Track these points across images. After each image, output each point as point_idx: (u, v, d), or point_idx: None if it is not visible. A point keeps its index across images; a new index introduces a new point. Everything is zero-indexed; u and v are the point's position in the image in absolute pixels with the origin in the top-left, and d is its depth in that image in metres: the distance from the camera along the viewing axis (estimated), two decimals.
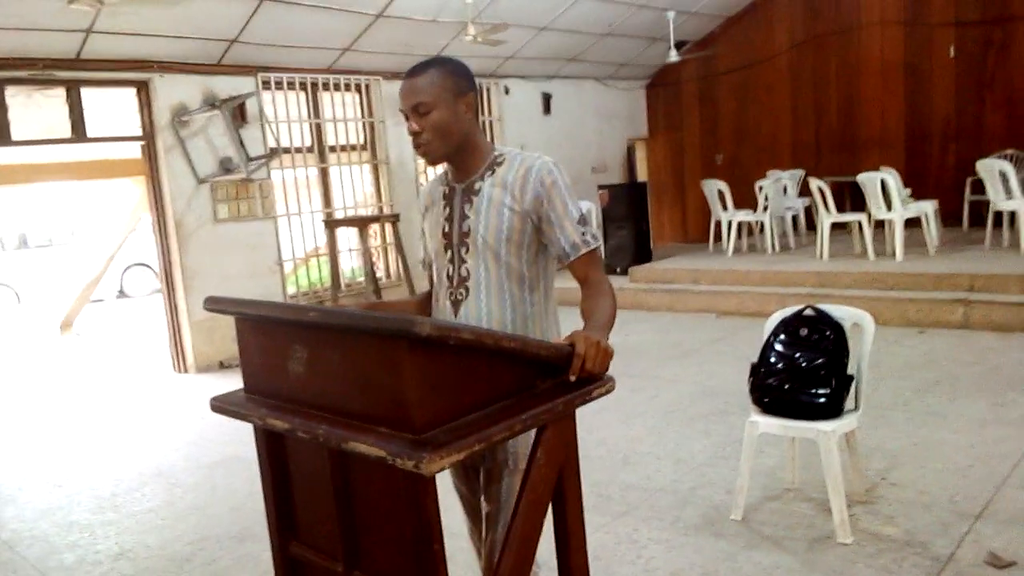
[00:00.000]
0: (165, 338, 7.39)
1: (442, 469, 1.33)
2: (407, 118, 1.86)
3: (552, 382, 1.58)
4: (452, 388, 1.43)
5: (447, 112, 1.83)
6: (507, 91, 9.67)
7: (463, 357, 1.43)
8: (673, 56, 9.80)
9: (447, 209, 1.95)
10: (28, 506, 4.21)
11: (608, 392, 1.61)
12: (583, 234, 1.86)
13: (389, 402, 1.42)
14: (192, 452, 4.90)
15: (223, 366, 7.22)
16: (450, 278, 1.93)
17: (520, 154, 1.92)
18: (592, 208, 8.92)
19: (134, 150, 7.25)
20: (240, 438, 4.94)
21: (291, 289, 8.09)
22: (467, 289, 1.90)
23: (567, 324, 1.85)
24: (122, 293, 14.33)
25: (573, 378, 1.56)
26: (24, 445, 5.42)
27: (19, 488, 4.51)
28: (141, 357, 8.26)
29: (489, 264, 1.87)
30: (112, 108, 6.95)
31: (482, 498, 1.90)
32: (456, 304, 1.91)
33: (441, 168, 2.02)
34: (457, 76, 1.86)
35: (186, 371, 7.20)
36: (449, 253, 1.93)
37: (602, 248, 1.91)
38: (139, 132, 6.97)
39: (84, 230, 14.57)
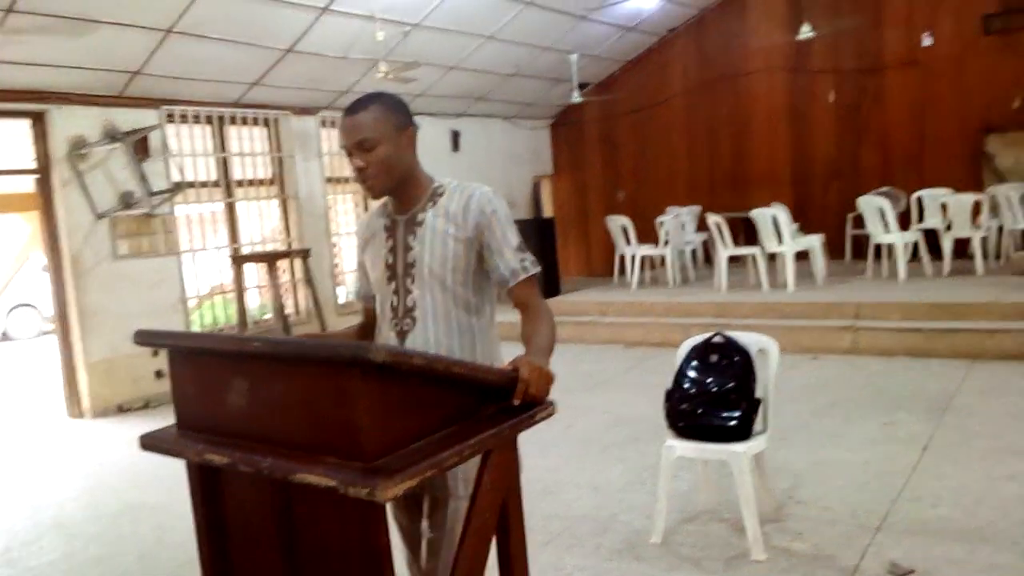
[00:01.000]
0: (58, 381, 6.98)
1: (396, 496, 1.35)
2: (350, 154, 1.88)
3: (496, 407, 1.63)
4: (402, 414, 1.46)
5: (391, 147, 1.88)
6: (418, 128, 9.72)
7: (413, 384, 1.46)
8: (576, 97, 10.16)
9: (390, 241, 1.98)
10: None
11: (550, 416, 1.68)
12: (522, 260, 1.92)
13: (338, 431, 1.43)
14: (92, 500, 4.64)
15: (122, 410, 6.88)
16: (395, 309, 1.95)
17: (460, 185, 1.97)
18: None
19: (26, 184, 6.90)
20: (141, 484, 4.74)
21: (195, 327, 7.81)
22: (413, 319, 1.92)
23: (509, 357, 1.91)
24: (6, 336, 13.44)
25: (517, 402, 1.61)
26: None
27: None
28: (31, 402, 7.77)
29: (436, 293, 1.91)
30: (3, 140, 6.61)
31: (423, 526, 1.92)
32: (402, 334, 1.93)
33: (379, 201, 2.05)
34: (398, 111, 1.91)
35: (82, 416, 6.81)
36: (393, 284, 1.96)
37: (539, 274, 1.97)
38: (33, 165, 6.65)
39: None
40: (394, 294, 1.96)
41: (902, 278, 7.59)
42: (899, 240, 7.70)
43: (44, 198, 6.68)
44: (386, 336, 1.98)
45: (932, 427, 4.57)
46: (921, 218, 8.46)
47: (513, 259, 1.91)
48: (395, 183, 1.92)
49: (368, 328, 2.11)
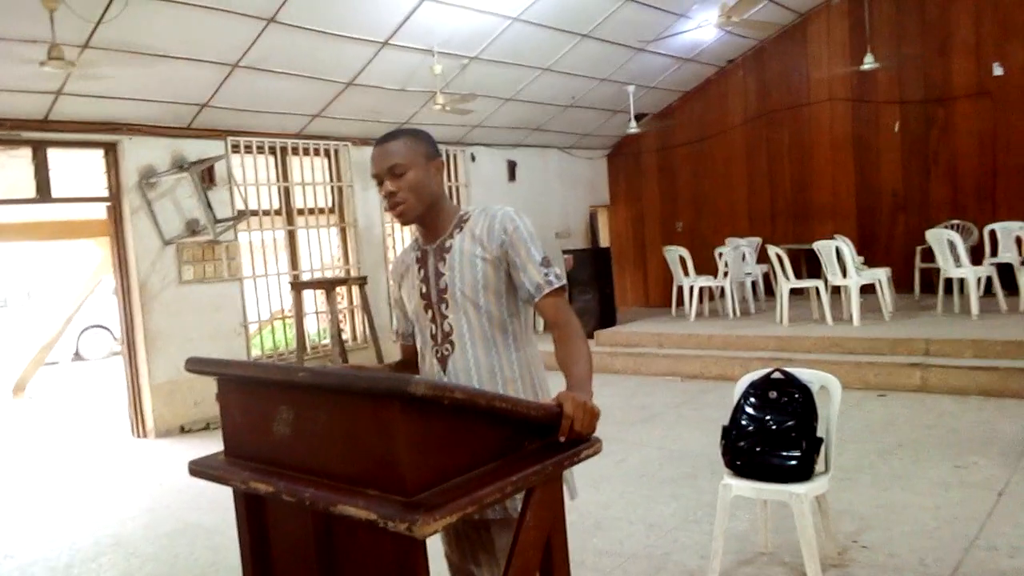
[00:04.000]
0: (124, 402, 7.20)
1: (435, 532, 1.32)
2: (380, 182, 1.94)
3: (540, 443, 1.59)
4: (443, 449, 1.43)
5: (421, 173, 1.93)
6: (473, 158, 9.85)
7: (454, 417, 1.44)
8: (633, 127, 10.14)
9: (422, 271, 2.01)
10: None
11: (595, 453, 1.63)
12: (546, 274, 1.91)
13: (379, 464, 1.41)
14: (151, 520, 4.73)
15: (184, 431, 7.04)
16: (434, 336, 1.98)
17: (484, 208, 2.01)
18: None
19: (99, 211, 7.19)
20: (200, 505, 4.82)
21: (255, 351, 7.98)
22: (452, 343, 1.95)
23: (597, 396, 1.87)
24: (78, 355, 13.96)
25: (562, 439, 1.57)
26: None
27: None
28: (98, 421, 8.02)
29: (470, 315, 1.93)
30: (78, 169, 6.91)
31: (471, 566, 1.89)
32: (443, 360, 1.95)
33: (409, 238, 2.10)
34: (426, 143, 1.98)
35: (145, 436, 7.00)
36: (430, 312, 1.98)
37: (567, 288, 1.93)
38: (105, 193, 6.93)
39: (41, 291, 14.25)
40: (431, 322, 1.98)
41: (975, 314, 7.27)
42: (971, 274, 7.40)
43: (115, 225, 6.95)
44: (429, 363, 2.00)
45: (1008, 471, 4.33)
46: (995, 252, 8.13)
47: (537, 274, 1.91)
48: (424, 209, 1.96)
49: (406, 365, 2.14)
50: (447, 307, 1.95)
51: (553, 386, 1.89)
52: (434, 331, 1.98)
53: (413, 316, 2.05)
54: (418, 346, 2.07)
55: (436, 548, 2.02)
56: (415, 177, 1.91)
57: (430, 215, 1.98)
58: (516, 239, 1.91)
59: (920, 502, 3.99)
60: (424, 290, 1.99)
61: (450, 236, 1.97)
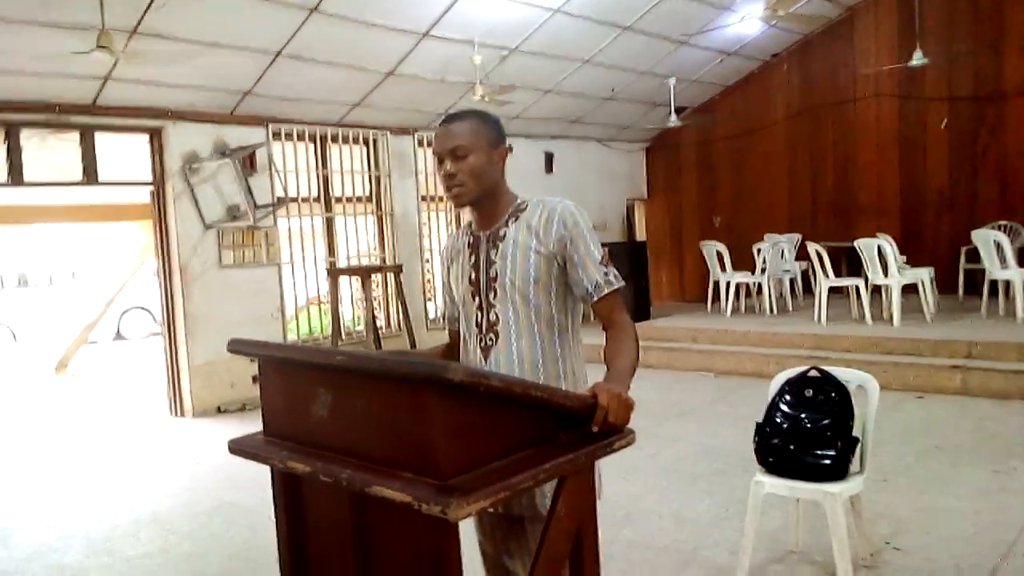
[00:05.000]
0: (162, 382, 7.36)
1: (468, 515, 1.33)
2: (441, 161, 1.91)
3: (574, 433, 1.60)
4: (478, 435, 1.44)
5: (483, 158, 1.90)
6: (511, 149, 9.82)
7: (490, 405, 1.45)
8: (673, 121, 10.02)
9: (473, 257, 1.99)
10: (19, 547, 4.15)
11: (628, 445, 1.63)
12: (606, 274, 1.89)
13: (415, 447, 1.43)
14: (188, 498, 4.84)
15: (221, 411, 7.18)
16: (479, 325, 1.96)
17: (542, 200, 1.97)
18: None
19: (143, 195, 7.34)
20: (237, 485, 4.91)
21: (291, 336, 8.09)
22: (496, 334, 1.92)
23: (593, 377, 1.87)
24: (119, 335, 14.29)
25: (596, 429, 1.58)
26: (17, 486, 5.36)
27: (11, 528, 4.44)
28: (137, 400, 8.21)
29: (518, 307, 1.90)
30: (124, 153, 7.06)
31: (505, 559, 1.91)
32: (486, 350, 1.93)
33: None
34: (494, 128, 1.95)
35: (183, 415, 7.15)
36: (477, 300, 1.96)
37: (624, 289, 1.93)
38: (150, 177, 7.08)
39: (85, 271, 14.61)
40: (478, 310, 1.96)
41: (1020, 317, 7.10)
42: (1017, 276, 7.22)
43: (158, 208, 7.10)
44: (471, 352, 1.97)
45: None
46: None
47: (597, 273, 1.88)
48: (481, 194, 1.93)
49: (452, 349, 2.11)
50: (495, 296, 1.92)
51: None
52: (479, 319, 1.95)
53: (459, 302, 2.03)
54: (461, 332, 2.05)
55: (469, 536, 2.05)
56: (476, 161, 1.89)
57: (486, 201, 1.95)
58: (576, 235, 1.88)
59: (958, 506, 3.92)
60: (473, 276, 1.97)
61: (505, 225, 1.94)
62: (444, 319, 2.17)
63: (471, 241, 2.01)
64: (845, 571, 2.97)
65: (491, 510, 1.90)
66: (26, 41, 5.45)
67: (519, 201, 1.99)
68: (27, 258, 14.71)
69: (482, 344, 1.94)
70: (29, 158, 6.38)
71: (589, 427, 1.59)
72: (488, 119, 1.95)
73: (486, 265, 1.95)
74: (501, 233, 1.94)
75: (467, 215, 2.05)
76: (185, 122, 7.05)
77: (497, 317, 1.92)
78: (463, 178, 1.89)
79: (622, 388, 1.67)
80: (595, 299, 1.89)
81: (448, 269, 2.09)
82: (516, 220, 1.94)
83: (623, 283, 1.94)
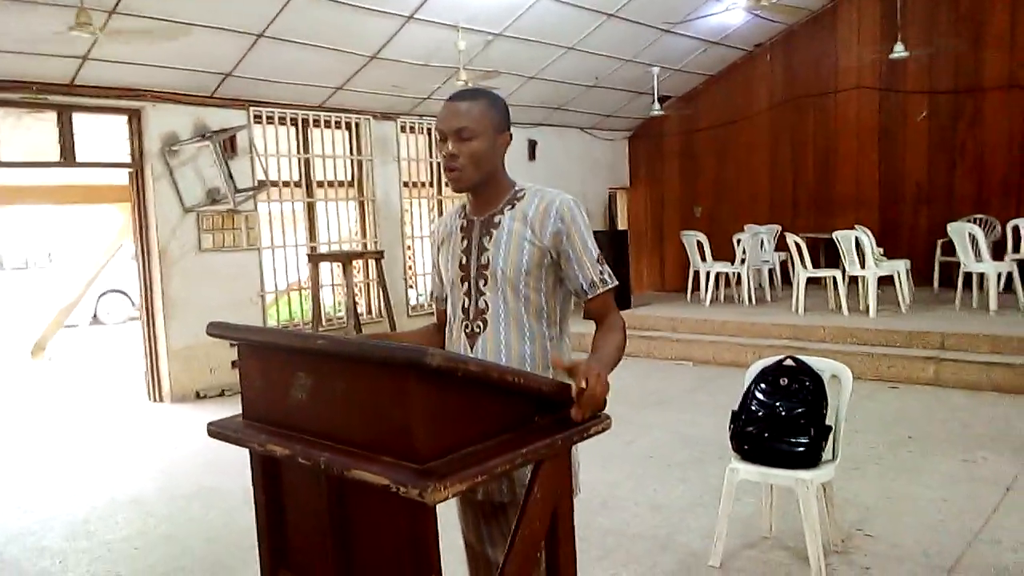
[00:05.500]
0: (140, 366, 7.31)
1: (446, 499, 1.35)
2: (444, 139, 1.88)
3: (551, 417, 1.62)
4: (456, 420, 1.46)
5: (486, 143, 1.88)
6: (511, 137, 9.80)
7: (468, 389, 1.47)
8: (656, 110, 10.07)
9: (464, 241, 1.96)
10: None
11: (604, 430, 1.66)
12: (601, 272, 1.89)
13: (393, 431, 1.44)
14: (167, 482, 4.83)
15: (199, 396, 7.15)
16: (466, 311, 1.93)
17: (540, 189, 1.95)
18: None
19: (121, 177, 7.26)
20: (216, 469, 4.91)
21: (271, 321, 8.06)
22: (484, 322, 1.90)
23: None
24: (96, 319, 14.15)
25: (575, 414, 1.58)
26: None
27: None
28: (115, 384, 8.15)
29: (508, 297, 1.88)
30: (102, 134, 6.97)
31: (487, 549, 1.93)
32: (472, 337, 1.91)
33: (458, 202, 2.06)
34: (501, 113, 1.93)
35: (161, 400, 7.12)
36: (466, 285, 1.94)
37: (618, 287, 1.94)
38: (128, 159, 7.00)
39: (62, 254, 14.43)
40: (466, 295, 1.94)
41: (993, 309, 7.22)
42: (991, 270, 7.34)
43: (137, 191, 7.03)
44: (456, 337, 1.96)
45: (1017, 467, 4.32)
46: (1017, 248, 8.04)
47: (592, 271, 1.88)
48: (480, 179, 1.90)
49: (440, 329, 2.10)
50: (485, 284, 1.90)
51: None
52: (467, 305, 1.93)
53: (448, 285, 2.01)
54: (447, 315, 2.03)
55: (453, 527, 2.07)
56: (479, 146, 1.86)
57: (484, 186, 1.92)
58: (573, 230, 1.87)
59: (927, 494, 4.00)
60: (464, 261, 1.94)
61: (500, 212, 1.92)
62: (432, 298, 2.15)
63: (464, 224, 1.99)
64: (816, 556, 3.03)
65: (477, 498, 1.92)
66: (2, 18, 5.36)
67: (517, 188, 1.97)
68: (2, 240, 14.51)
69: (467, 331, 1.92)
70: (4, 137, 6.30)
71: (566, 412, 1.61)
72: (497, 103, 1.92)
73: (478, 251, 1.93)
74: (496, 220, 1.92)
75: (459, 198, 2.05)
76: (165, 103, 6.97)
77: (487, 305, 1.90)
78: (464, 162, 1.87)
79: (603, 369, 1.68)
80: (589, 297, 1.90)
81: (438, 249, 2.07)
82: (512, 208, 1.92)
83: (617, 283, 1.94)
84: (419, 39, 7.40)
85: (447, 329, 2.03)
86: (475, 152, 1.86)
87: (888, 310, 7.66)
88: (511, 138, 1.96)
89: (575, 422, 1.60)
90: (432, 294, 2.15)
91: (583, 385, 1.58)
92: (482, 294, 1.91)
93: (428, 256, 9.70)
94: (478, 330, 1.91)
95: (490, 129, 1.88)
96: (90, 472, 5.13)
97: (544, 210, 1.89)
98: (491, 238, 1.91)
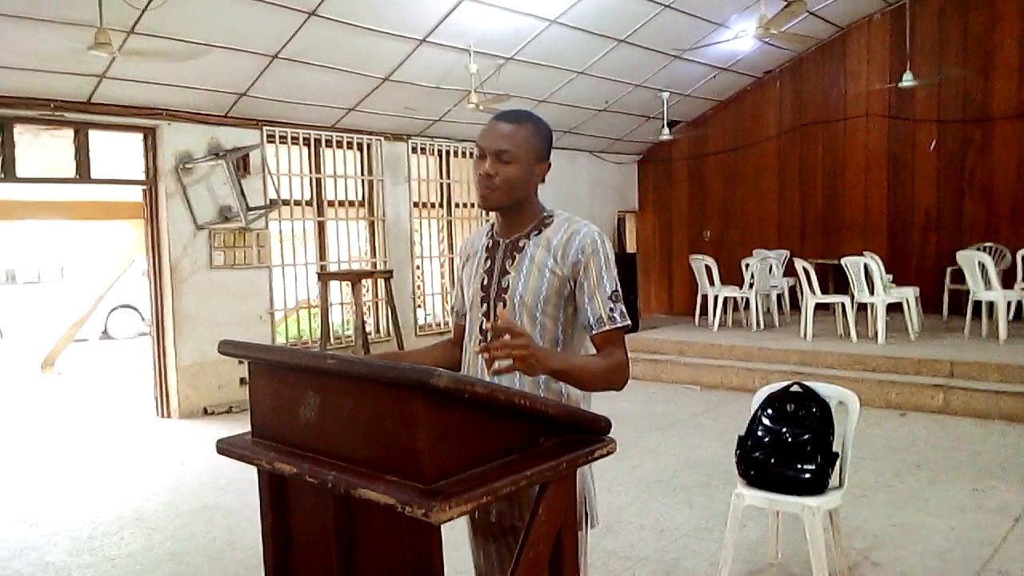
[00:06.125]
0: (149, 382, 7.34)
1: (450, 519, 1.36)
2: (482, 156, 1.86)
3: (556, 440, 1.64)
4: (462, 440, 1.47)
5: (524, 170, 1.86)
6: (550, 166, 9.85)
7: (474, 410, 1.48)
8: (666, 134, 10.13)
9: (488, 262, 1.96)
10: (3, 545, 4.13)
11: (610, 453, 1.67)
12: (611, 310, 1.84)
13: (400, 451, 1.46)
14: (172, 498, 4.84)
15: (207, 413, 7.17)
16: (483, 332, 1.92)
17: (570, 218, 1.93)
18: None
19: (135, 193, 7.34)
20: (221, 487, 4.92)
21: (280, 339, 8.10)
22: None
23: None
24: (106, 334, 14.22)
25: (477, 351, 1.59)
26: (0, 484, 5.35)
27: None
28: (123, 400, 8.18)
29: (524, 323, 1.85)
30: (117, 152, 7.06)
31: (496, 574, 1.92)
32: (489, 360, 1.84)
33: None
34: (544, 141, 1.91)
35: (169, 416, 7.14)
36: (484, 307, 1.93)
37: (628, 328, 1.85)
38: (142, 176, 7.08)
39: (74, 269, 14.54)
40: (484, 316, 1.93)
41: (1003, 338, 7.19)
42: (1001, 298, 7.32)
43: (150, 207, 7.10)
44: (472, 357, 1.95)
45: None
46: None
47: (603, 307, 1.83)
48: (510, 203, 1.89)
49: (455, 345, 2.09)
50: (503, 307, 1.88)
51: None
52: (484, 327, 1.91)
53: (467, 304, 2.00)
54: (464, 333, 2.01)
55: (455, 546, 2.08)
56: (516, 172, 1.84)
57: (514, 209, 1.91)
58: (592, 263, 1.83)
59: (935, 523, 3.97)
60: (485, 282, 1.94)
61: (526, 236, 1.91)
62: (452, 313, 2.14)
63: (490, 244, 1.98)
64: None
65: (489, 521, 1.91)
66: (22, 36, 5.46)
67: (546, 214, 1.95)
68: (16, 254, 14.64)
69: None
70: (22, 153, 6.38)
71: (571, 435, 1.62)
72: (542, 130, 1.90)
73: (499, 274, 1.92)
74: (520, 244, 1.91)
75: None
76: (180, 122, 7.06)
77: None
78: (499, 183, 1.85)
79: (545, 351, 1.67)
80: (595, 332, 1.85)
81: (463, 265, 2.06)
82: (538, 234, 1.91)
83: (628, 322, 1.88)
84: (431, 62, 7.48)
85: (463, 348, 2.02)
86: (511, 177, 1.85)
87: (897, 337, 7.64)
88: (550, 167, 1.93)
89: (580, 445, 1.61)
90: (453, 308, 2.15)
91: (500, 326, 1.58)
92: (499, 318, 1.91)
93: (437, 276, 9.75)
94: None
95: (531, 156, 1.87)
96: (96, 487, 5.14)
97: (568, 240, 1.87)
98: (514, 262, 1.90)
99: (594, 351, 1.87)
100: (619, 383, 1.84)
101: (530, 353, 1.61)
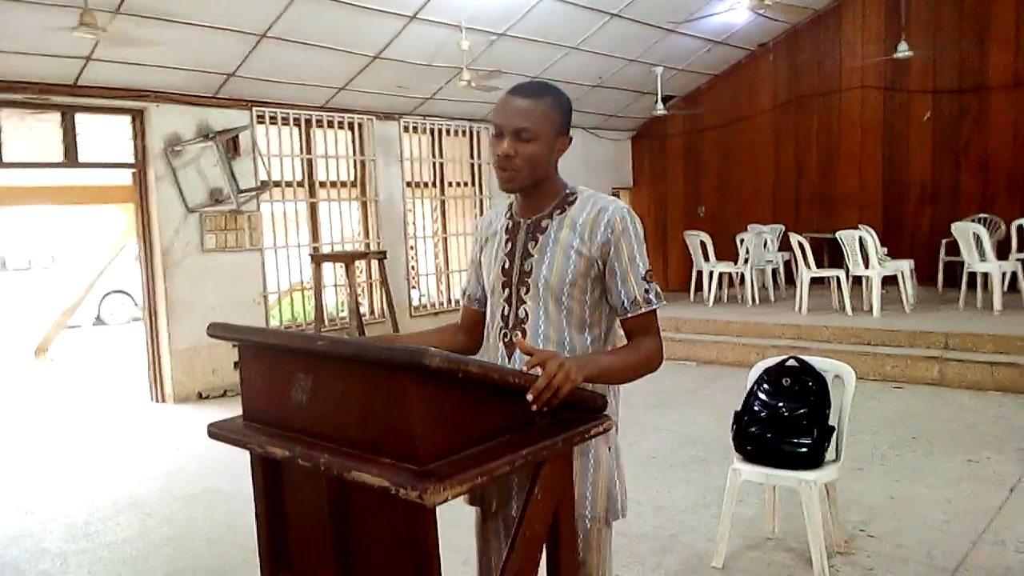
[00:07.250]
0: (143, 367, 7.32)
1: (445, 500, 1.34)
2: (499, 135, 1.76)
3: (550, 419, 1.62)
4: (456, 421, 1.45)
5: (545, 147, 1.76)
6: (571, 140, 9.79)
7: (468, 391, 1.46)
8: (660, 110, 10.05)
9: (508, 244, 1.85)
10: None
11: (605, 431, 1.66)
12: (646, 291, 1.76)
13: (393, 433, 1.43)
14: (168, 483, 4.83)
15: (202, 397, 7.15)
16: (505, 318, 1.83)
17: (594, 195, 1.83)
18: None
19: (124, 177, 7.26)
20: (217, 470, 4.90)
21: (273, 322, 8.06)
22: (523, 332, 1.79)
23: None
24: (99, 320, 14.17)
25: (530, 398, 1.51)
26: None
27: None
28: (117, 385, 8.16)
29: (549, 307, 1.77)
30: (105, 135, 6.98)
31: (495, 559, 1.89)
32: (510, 346, 1.81)
33: (505, 200, 1.92)
34: (564, 114, 1.80)
35: (164, 401, 7.12)
36: (507, 292, 1.83)
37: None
38: (131, 160, 7.00)
39: (65, 255, 14.46)
40: (505, 302, 1.83)
41: (997, 309, 7.20)
42: (995, 269, 7.32)
43: (140, 191, 7.04)
44: (494, 345, 1.86)
45: (1022, 468, 4.30)
46: (1022, 247, 8.01)
47: (637, 288, 1.75)
48: (531, 182, 1.78)
49: (461, 331, 2.02)
50: (527, 292, 1.78)
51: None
52: (506, 312, 1.82)
53: (488, 289, 1.90)
54: (486, 320, 1.92)
55: (451, 526, 2.06)
56: (538, 150, 1.73)
57: (535, 189, 1.80)
58: (623, 242, 1.74)
59: (930, 495, 3.99)
60: (507, 265, 1.83)
61: (548, 216, 1.80)
62: (464, 297, 2.05)
63: (509, 226, 1.87)
64: (819, 557, 3.02)
65: (491, 510, 1.88)
66: (6, 18, 5.37)
67: (568, 191, 1.84)
68: (6, 241, 14.54)
69: (505, 339, 1.83)
70: (7, 138, 6.30)
71: (567, 413, 1.60)
72: (562, 103, 1.79)
73: (521, 256, 1.81)
74: (543, 224, 1.81)
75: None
76: (168, 104, 6.97)
77: (527, 314, 1.79)
78: (520, 163, 1.74)
79: (575, 364, 1.57)
80: (629, 315, 1.77)
81: (481, 248, 1.96)
82: (562, 213, 1.80)
83: (663, 303, 1.81)
84: (422, 39, 7.39)
85: (485, 334, 1.94)
86: (532, 155, 1.74)
87: (892, 310, 7.64)
88: (571, 141, 1.82)
89: (574, 424, 1.60)
90: (465, 292, 2.05)
91: (551, 372, 1.51)
92: (523, 302, 1.80)
93: (431, 256, 9.70)
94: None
95: (551, 131, 1.76)
96: (91, 473, 5.13)
97: (595, 218, 1.76)
98: (536, 244, 1.80)
99: (622, 332, 1.81)
100: (655, 369, 1.80)
101: (569, 378, 1.53)
